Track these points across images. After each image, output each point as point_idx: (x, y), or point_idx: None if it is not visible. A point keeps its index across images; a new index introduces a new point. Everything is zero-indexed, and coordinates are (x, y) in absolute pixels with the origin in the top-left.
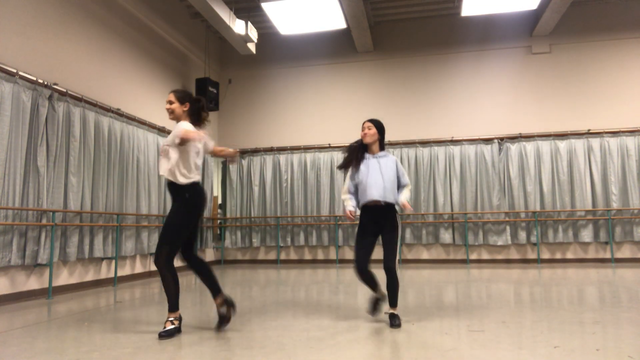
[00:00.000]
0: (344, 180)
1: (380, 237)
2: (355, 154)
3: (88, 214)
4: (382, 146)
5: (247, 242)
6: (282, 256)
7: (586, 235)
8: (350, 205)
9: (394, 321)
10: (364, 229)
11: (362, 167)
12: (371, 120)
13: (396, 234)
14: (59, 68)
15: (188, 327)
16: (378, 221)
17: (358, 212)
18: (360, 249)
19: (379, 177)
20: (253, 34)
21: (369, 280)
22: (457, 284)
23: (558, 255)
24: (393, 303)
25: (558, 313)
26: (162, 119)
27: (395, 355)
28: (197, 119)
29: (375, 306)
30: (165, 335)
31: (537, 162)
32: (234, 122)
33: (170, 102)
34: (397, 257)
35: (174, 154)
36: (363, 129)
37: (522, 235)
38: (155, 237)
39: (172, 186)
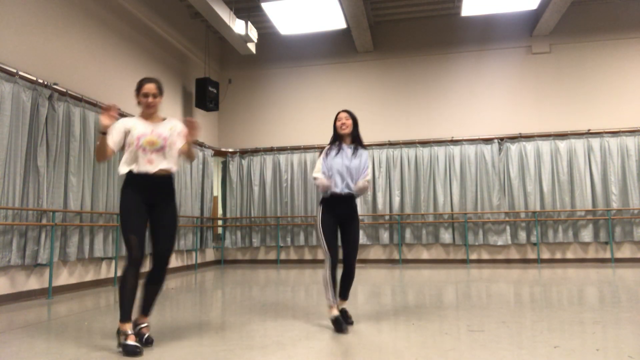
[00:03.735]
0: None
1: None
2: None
3: (88, 214)
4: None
5: (247, 242)
6: (282, 256)
7: (586, 235)
8: None
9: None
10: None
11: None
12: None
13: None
14: (59, 68)
15: (188, 327)
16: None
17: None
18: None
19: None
20: (253, 34)
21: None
22: (457, 284)
23: (558, 255)
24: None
25: (558, 313)
26: None
27: (396, 355)
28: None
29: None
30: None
31: (537, 162)
32: (234, 122)
33: (155, 96)
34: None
35: (177, 144)
36: (340, 119)
37: (522, 235)
38: None
39: (170, 181)
